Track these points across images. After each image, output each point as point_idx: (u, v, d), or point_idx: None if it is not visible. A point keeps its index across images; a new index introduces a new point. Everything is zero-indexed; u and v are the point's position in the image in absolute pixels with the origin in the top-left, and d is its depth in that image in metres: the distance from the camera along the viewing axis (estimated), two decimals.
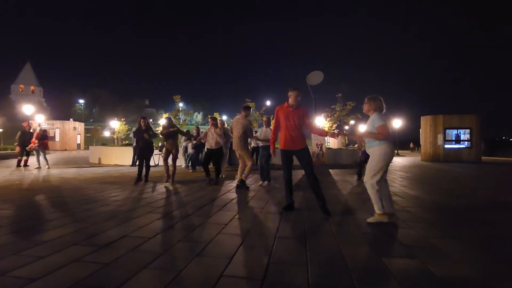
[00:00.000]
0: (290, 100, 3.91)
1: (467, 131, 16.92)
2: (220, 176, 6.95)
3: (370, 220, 3.31)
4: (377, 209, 3.28)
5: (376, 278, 1.97)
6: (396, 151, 27.13)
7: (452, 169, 11.62)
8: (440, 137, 17.06)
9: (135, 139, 7.02)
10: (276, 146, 4.26)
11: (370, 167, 3.33)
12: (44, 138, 10.68)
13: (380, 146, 3.27)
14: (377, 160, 3.28)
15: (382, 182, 3.32)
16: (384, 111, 3.41)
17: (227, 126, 8.62)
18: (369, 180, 3.31)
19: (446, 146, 17.03)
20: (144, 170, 6.73)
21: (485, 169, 11.65)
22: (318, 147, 13.25)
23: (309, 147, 4.10)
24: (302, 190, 5.56)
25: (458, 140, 17.23)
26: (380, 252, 2.41)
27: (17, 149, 10.83)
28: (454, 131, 17.26)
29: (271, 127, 4.85)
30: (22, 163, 10.79)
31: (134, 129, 7.19)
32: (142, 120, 6.86)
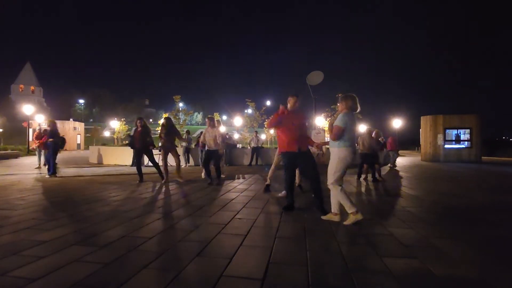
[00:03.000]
0: (289, 106, 4.06)
1: (467, 131, 16.91)
2: (221, 176, 6.95)
3: (346, 222, 3.23)
4: (347, 209, 3.22)
5: (376, 278, 1.97)
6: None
7: (452, 169, 11.62)
8: (440, 137, 17.05)
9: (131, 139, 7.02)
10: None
11: (330, 168, 3.29)
12: (41, 138, 10.65)
13: (339, 149, 3.23)
14: (336, 162, 3.25)
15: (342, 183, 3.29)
16: (359, 110, 3.35)
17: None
18: (330, 181, 3.27)
19: (446, 146, 17.02)
20: (139, 169, 6.83)
21: (485, 169, 11.65)
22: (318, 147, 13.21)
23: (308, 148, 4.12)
24: (302, 190, 5.55)
25: (458, 140, 17.22)
26: (380, 252, 2.41)
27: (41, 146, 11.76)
28: (454, 131, 17.24)
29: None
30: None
31: (133, 130, 7.21)
32: (139, 121, 6.89)
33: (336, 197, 3.31)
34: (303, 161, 3.95)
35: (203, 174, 7.58)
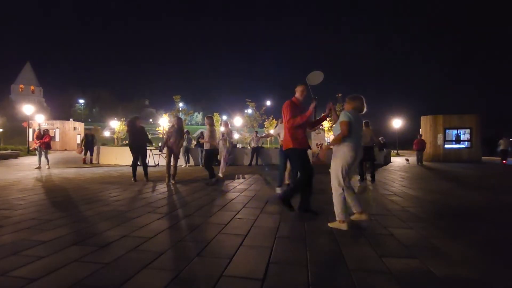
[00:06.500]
0: (297, 95, 3.85)
1: (467, 131, 16.92)
2: (217, 175, 6.93)
3: (330, 224, 3.13)
4: (337, 215, 3.06)
5: (376, 278, 1.97)
6: (396, 152, 27.08)
7: (452, 169, 11.62)
8: (440, 137, 17.06)
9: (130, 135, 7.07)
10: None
11: (332, 168, 3.13)
12: (41, 138, 10.62)
13: (338, 147, 3.09)
14: (334, 159, 3.12)
15: (348, 184, 3.08)
16: (365, 111, 3.26)
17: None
18: (332, 182, 3.11)
19: (446, 146, 17.03)
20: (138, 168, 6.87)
21: (485, 169, 11.65)
22: (318, 147, 13.24)
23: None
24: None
25: (458, 140, 17.22)
26: (380, 252, 2.41)
27: (78, 150, 13.31)
28: (454, 131, 17.25)
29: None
30: (88, 160, 12.87)
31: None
32: (137, 120, 7.02)
33: (334, 200, 3.10)
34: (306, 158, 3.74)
35: (221, 174, 7.54)
